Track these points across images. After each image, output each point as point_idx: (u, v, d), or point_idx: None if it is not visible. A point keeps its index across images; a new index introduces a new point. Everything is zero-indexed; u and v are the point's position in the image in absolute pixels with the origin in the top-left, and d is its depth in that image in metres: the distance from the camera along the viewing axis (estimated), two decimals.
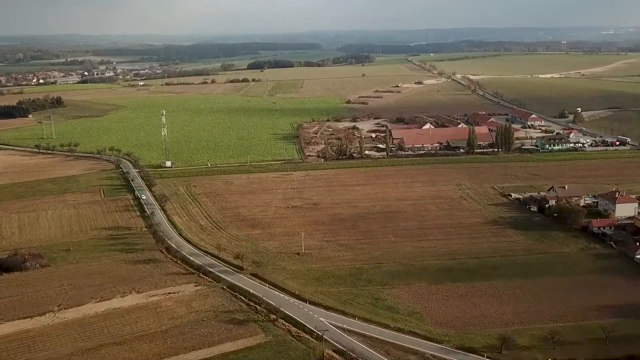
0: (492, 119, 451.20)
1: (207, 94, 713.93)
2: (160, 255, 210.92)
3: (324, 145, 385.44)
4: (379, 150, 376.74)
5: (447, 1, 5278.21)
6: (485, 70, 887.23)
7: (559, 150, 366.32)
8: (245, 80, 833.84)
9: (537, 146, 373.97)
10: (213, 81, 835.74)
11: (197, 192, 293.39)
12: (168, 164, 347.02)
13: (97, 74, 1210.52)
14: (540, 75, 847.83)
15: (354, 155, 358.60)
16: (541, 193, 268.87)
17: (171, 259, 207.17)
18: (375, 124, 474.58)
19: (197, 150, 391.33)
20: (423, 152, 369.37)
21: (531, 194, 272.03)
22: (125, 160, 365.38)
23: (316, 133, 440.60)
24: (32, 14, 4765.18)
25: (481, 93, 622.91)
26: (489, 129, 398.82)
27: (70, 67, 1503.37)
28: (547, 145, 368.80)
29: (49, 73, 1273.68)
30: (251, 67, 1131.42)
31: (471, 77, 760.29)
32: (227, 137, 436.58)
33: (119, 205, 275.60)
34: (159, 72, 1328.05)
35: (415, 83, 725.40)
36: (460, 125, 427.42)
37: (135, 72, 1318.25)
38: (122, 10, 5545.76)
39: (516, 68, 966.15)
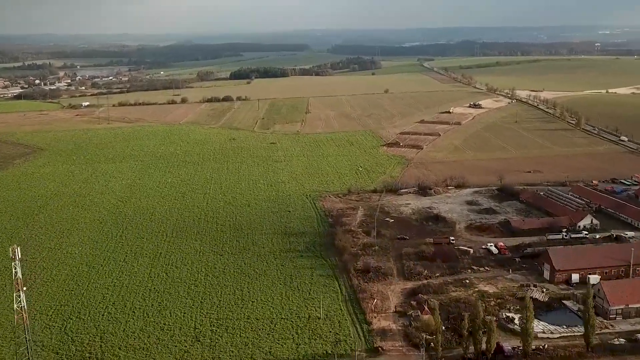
0: None
1: (172, 123, 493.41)
2: None
3: (403, 284, 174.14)
4: (536, 307, 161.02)
5: (430, 0, 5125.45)
6: (542, 84, 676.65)
7: None
8: (227, 99, 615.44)
9: None
10: (184, 100, 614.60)
11: None
12: None
13: (47, 84, 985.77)
14: (616, 91, 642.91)
15: (505, 348, 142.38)
16: None
17: None
18: (468, 202, 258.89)
19: (122, 303, 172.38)
20: None
21: None
22: None
23: (367, 232, 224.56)
24: (8, 12, 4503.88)
25: (591, 128, 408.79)
26: None
27: (24, 72, 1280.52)
28: None
29: None
30: (235, 76, 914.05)
31: (541, 95, 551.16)
32: (193, 244, 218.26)
33: None
34: (126, 78, 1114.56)
35: (470, 106, 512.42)
36: None
37: (97, 79, 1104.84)
38: (100, 8, 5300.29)
39: (574, 79, 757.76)
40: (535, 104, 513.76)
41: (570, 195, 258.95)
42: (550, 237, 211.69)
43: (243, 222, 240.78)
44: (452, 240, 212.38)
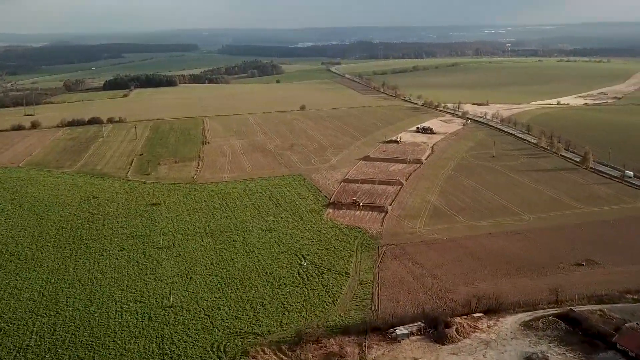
0: None
1: (8, 166, 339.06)
2: None
3: None
4: None
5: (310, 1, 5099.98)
6: (480, 94, 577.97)
7: None
8: (95, 121, 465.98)
9: None
10: (35, 125, 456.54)
11: None
12: None
13: None
14: (568, 102, 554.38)
15: None
16: None
17: None
18: None
19: None
20: None
21: None
22: None
23: None
24: None
25: (597, 165, 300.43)
26: None
27: None
28: None
29: None
30: (109, 86, 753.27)
31: (490, 110, 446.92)
32: None
33: None
34: None
35: (419, 131, 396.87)
36: None
37: None
38: None
39: (512, 87, 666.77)
40: (498, 126, 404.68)
41: None
42: None
43: None
44: None
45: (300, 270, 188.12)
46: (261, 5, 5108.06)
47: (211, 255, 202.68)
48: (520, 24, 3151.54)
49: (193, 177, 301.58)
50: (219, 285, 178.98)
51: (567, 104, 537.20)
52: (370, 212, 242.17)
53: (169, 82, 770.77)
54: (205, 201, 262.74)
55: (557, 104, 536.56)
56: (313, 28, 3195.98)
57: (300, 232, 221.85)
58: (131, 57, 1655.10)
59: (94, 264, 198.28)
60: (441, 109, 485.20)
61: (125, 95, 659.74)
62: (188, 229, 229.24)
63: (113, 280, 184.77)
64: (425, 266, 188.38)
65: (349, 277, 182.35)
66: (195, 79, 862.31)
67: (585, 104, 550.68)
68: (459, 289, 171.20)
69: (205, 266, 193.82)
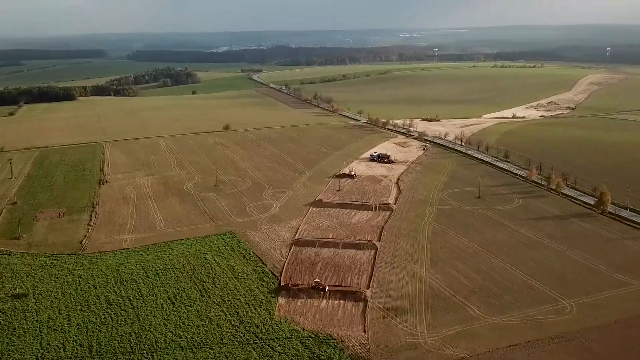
0: None
1: None
2: None
3: None
4: None
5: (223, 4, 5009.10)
6: (425, 109, 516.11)
7: None
8: None
9: None
10: None
11: None
12: None
13: None
14: (524, 115, 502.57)
15: None
16: None
17: None
18: None
19: None
20: None
21: None
22: None
23: None
24: None
25: (612, 208, 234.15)
26: None
27: None
28: None
29: None
30: None
31: (442, 128, 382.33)
32: None
33: None
34: None
35: (374, 159, 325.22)
36: None
37: None
38: None
39: (457, 99, 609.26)
40: (467, 150, 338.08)
41: None
42: None
43: None
44: None
45: None
46: (173, 8, 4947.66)
47: None
48: (433, 27, 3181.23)
49: (81, 242, 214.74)
50: None
51: (524, 117, 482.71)
52: (342, 301, 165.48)
53: (66, 96, 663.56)
54: (96, 288, 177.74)
55: (513, 117, 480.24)
56: (227, 32, 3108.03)
57: (242, 351, 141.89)
58: (31, 64, 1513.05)
59: None
60: (390, 127, 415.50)
61: (10, 114, 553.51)
62: (64, 348, 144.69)
63: None
64: None
65: None
66: (99, 91, 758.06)
67: (542, 116, 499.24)
68: None
69: None
